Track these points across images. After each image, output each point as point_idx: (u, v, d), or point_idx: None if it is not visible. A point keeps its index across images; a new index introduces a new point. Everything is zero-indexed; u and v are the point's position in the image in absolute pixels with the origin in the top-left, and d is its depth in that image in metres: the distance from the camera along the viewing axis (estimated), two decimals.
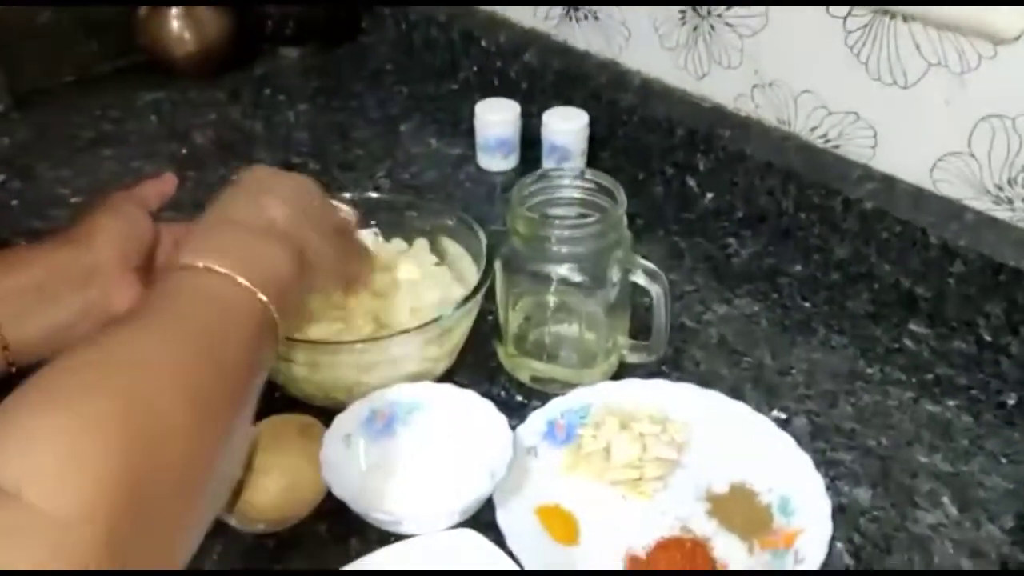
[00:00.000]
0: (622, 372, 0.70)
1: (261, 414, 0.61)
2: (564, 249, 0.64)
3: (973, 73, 0.71)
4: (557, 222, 0.65)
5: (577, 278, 0.65)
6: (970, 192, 0.75)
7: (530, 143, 0.97)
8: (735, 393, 0.68)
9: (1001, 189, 0.73)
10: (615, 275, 0.65)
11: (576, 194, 0.68)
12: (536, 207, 0.67)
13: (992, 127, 0.71)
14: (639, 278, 0.65)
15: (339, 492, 0.56)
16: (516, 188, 0.66)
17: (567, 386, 0.68)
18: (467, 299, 0.64)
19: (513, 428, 0.62)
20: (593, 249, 0.64)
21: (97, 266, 0.58)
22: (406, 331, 0.62)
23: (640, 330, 0.70)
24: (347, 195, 0.75)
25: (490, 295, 0.69)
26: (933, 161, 0.76)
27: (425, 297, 0.68)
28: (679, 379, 0.69)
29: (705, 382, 0.68)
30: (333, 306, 0.67)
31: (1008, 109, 0.70)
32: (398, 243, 0.74)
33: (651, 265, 0.65)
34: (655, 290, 0.65)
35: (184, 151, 1.02)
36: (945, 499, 0.61)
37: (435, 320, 0.62)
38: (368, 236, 0.74)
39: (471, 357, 0.72)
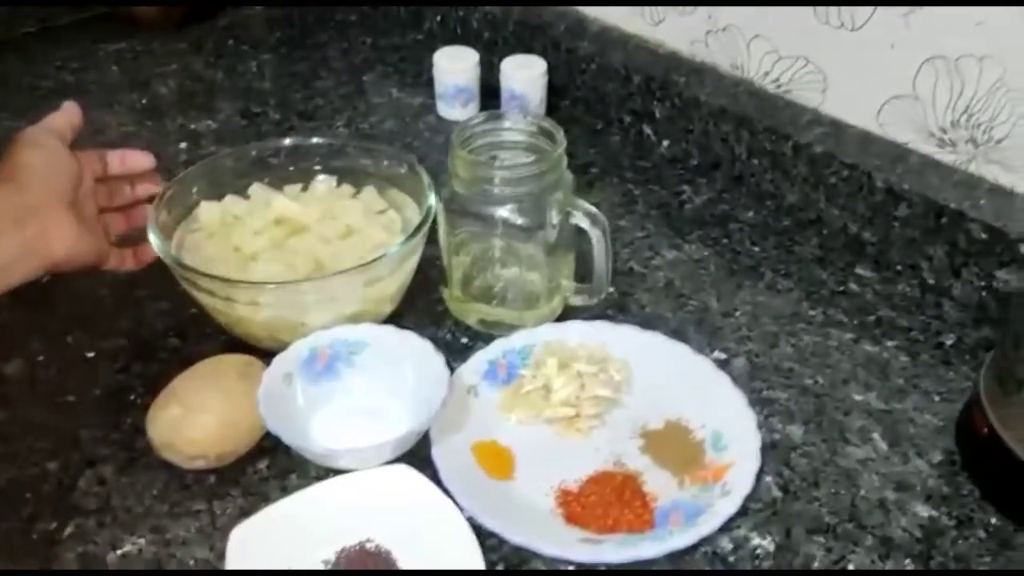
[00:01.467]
0: (567, 315, 0.71)
1: (204, 355, 0.63)
2: (505, 190, 0.64)
3: (917, 14, 0.71)
4: (496, 163, 0.65)
5: (518, 220, 0.65)
6: (915, 135, 0.75)
7: (492, 93, 0.97)
8: (678, 335, 0.68)
9: (944, 132, 0.73)
10: (555, 217, 0.65)
11: (517, 137, 0.68)
12: (477, 150, 0.67)
13: (936, 69, 0.71)
14: (580, 220, 0.66)
15: (274, 427, 0.57)
16: (457, 131, 0.66)
17: (512, 329, 0.68)
18: (405, 240, 0.64)
19: (455, 369, 0.63)
20: (533, 190, 0.64)
21: (32, 205, 0.58)
22: (346, 270, 0.62)
23: (587, 274, 0.71)
24: (287, 141, 0.76)
25: (438, 241, 0.70)
26: (880, 104, 0.76)
27: (370, 241, 0.69)
28: (623, 322, 0.70)
29: (649, 324, 0.69)
30: (276, 248, 0.68)
31: (950, 50, 0.70)
32: (346, 188, 0.74)
33: (591, 207, 0.66)
34: (595, 232, 0.65)
35: (144, 101, 1.02)
36: (875, 435, 0.63)
37: (374, 260, 0.63)
38: (321, 181, 0.74)
39: (419, 301, 0.73)
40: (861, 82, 0.77)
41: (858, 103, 0.78)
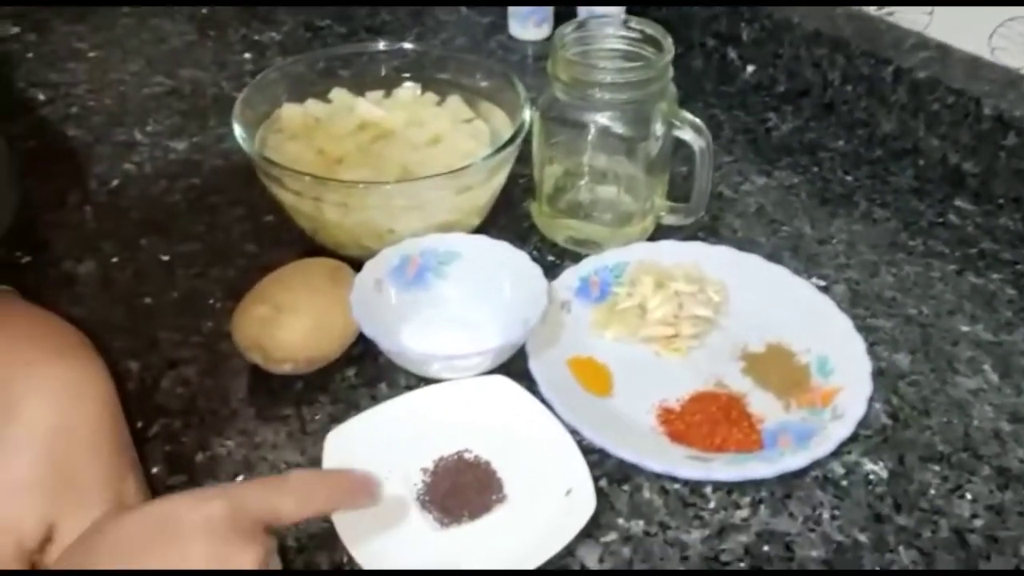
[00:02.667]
0: (658, 235, 0.68)
1: (283, 262, 0.60)
2: (607, 97, 0.61)
3: None
4: (601, 66, 0.62)
5: (619, 129, 0.62)
6: None
7: (567, 16, 0.93)
8: (773, 259, 0.66)
9: None
10: (659, 129, 0.62)
11: (620, 44, 0.64)
12: (579, 56, 0.64)
13: None
14: (684, 132, 0.63)
15: (369, 331, 0.55)
16: (558, 33, 0.63)
17: (601, 248, 0.66)
18: (502, 147, 0.62)
19: None
20: (637, 98, 0.61)
21: None
22: (439, 175, 0.59)
23: (676, 199, 0.68)
24: (382, 45, 0.73)
25: (524, 158, 0.67)
26: (992, 27, 0.72)
27: (457, 149, 0.66)
28: (717, 243, 0.67)
29: (743, 249, 0.66)
30: (362, 152, 0.65)
31: None
32: (431, 96, 0.71)
33: (696, 119, 0.63)
34: (699, 144, 0.62)
35: (204, 11, 0.98)
36: (986, 366, 0.60)
37: (467, 167, 0.60)
38: (406, 88, 0.71)
39: (503, 218, 0.70)
40: (973, 4, 0.73)
41: (969, 26, 0.74)
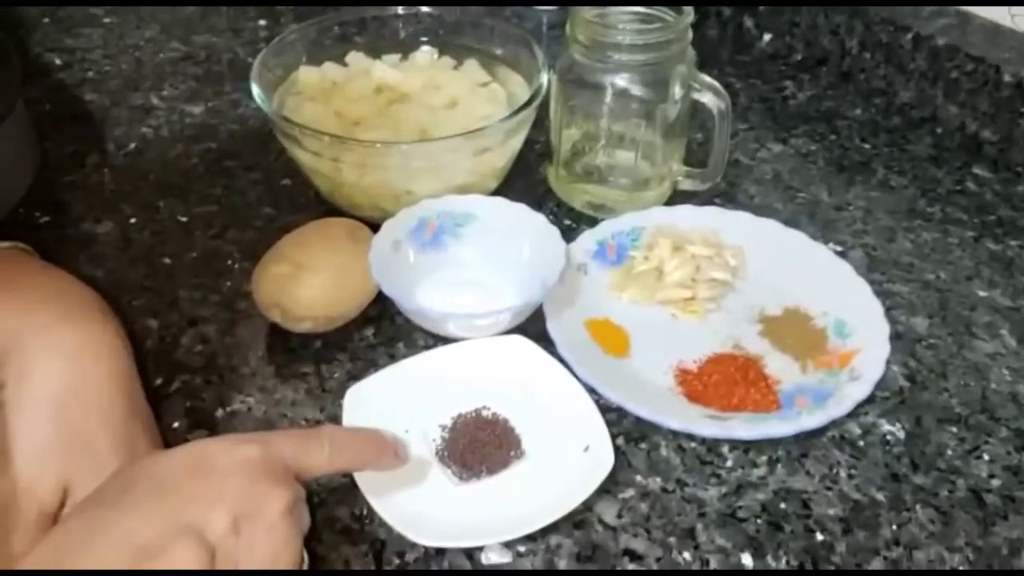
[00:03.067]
0: (674, 200, 0.68)
1: (300, 224, 0.61)
2: (625, 58, 0.61)
3: None
4: (619, 27, 0.61)
5: (637, 91, 0.62)
6: None
7: None
8: (790, 225, 0.65)
9: None
10: (677, 92, 0.62)
11: (639, 6, 0.64)
12: (597, 16, 0.63)
13: None
14: (703, 95, 0.62)
15: (388, 290, 0.55)
16: None
17: (618, 213, 0.66)
18: (519, 109, 0.62)
19: None
20: (655, 60, 0.61)
21: None
22: (457, 135, 0.59)
23: (692, 165, 0.68)
24: (399, 9, 0.72)
25: (541, 124, 0.67)
26: None
27: (475, 112, 0.66)
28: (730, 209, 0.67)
29: (760, 215, 0.66)
30: (379, 114, 0.65)
31: None
32: (447, 60, 0.71)
33: (715, 82, 0.62)
34: (718, 106, 0.62)
35: None
36: (1003, 331, 0.60)
37: (484, 128, 0.60)
38: (423, 52, 0.71)
39: (519, 184, 0.70)
40: None
41: None
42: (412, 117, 0.65)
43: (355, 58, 0.70)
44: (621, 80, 0.62)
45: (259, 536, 0.38)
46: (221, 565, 0.37)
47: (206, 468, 0.39)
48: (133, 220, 0.67)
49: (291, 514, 0.40)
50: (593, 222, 0.66)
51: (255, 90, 0.62)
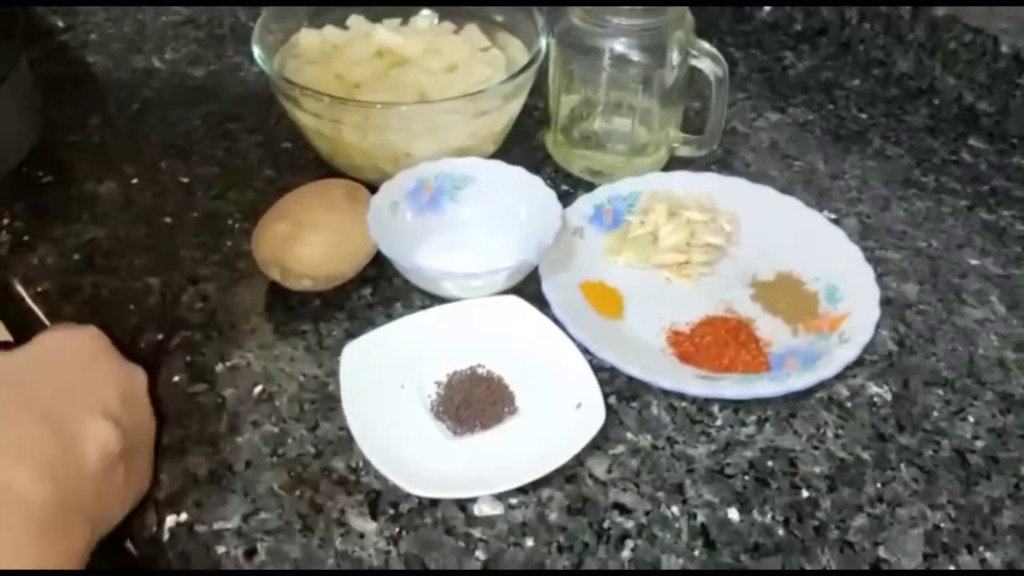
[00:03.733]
0: (671, 166, 0.69)
1: (300, 185, 0.61)
2: (624, 23, 0.61)
3: None
4: None
5: (635, 56, 0.62)
6: None
7: None
8: (786, 193, 0.66)
9: None
10: (675, 57, 0.63)
11: None
12: None
13: None
14: (700, 62, 0.63)
15: (386, 249, 0.56)
16: None
17: (615, 178, 0.66)
18: (518, 72, 0.62)
19: None
20: (653, 24, 0.61)
21: None
22: (456, 97, 0.60)
23: (690, 133, 0.69)
24: None
25: (539, 90, 0.67)
26: None
27: (474, 76, 0.66)
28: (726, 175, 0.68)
29: (755, 182, 0.67)
30: (379, 78, 0.66)
31: None
32: (448, 24, 0.72)
33: (713, 48, 0.63)
34: (716, 73, 0.62)
35: None
36: (993, 298, 0.61)
37: (483, 90, 0.61)
38: (423, 17, 0.72)
39: (517, 149, 0.70)
40: None
41: None
42: (412, 81, 0.65)
43: (356, 21, 0.71)
44: (619, 45, 0.62)
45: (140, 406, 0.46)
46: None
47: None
48: (135, 180, 0.68)
49: None
50: (590, 187, 0.66)
51: (256, 51, 0.62)
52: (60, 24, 0.85)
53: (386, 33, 0.69)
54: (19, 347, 0.45)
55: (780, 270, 0.62)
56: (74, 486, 0.40)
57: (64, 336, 0.48)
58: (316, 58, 0.68)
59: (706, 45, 0.63)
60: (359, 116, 0.60)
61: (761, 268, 0.62)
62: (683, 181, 0.66)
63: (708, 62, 0.63)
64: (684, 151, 0.68)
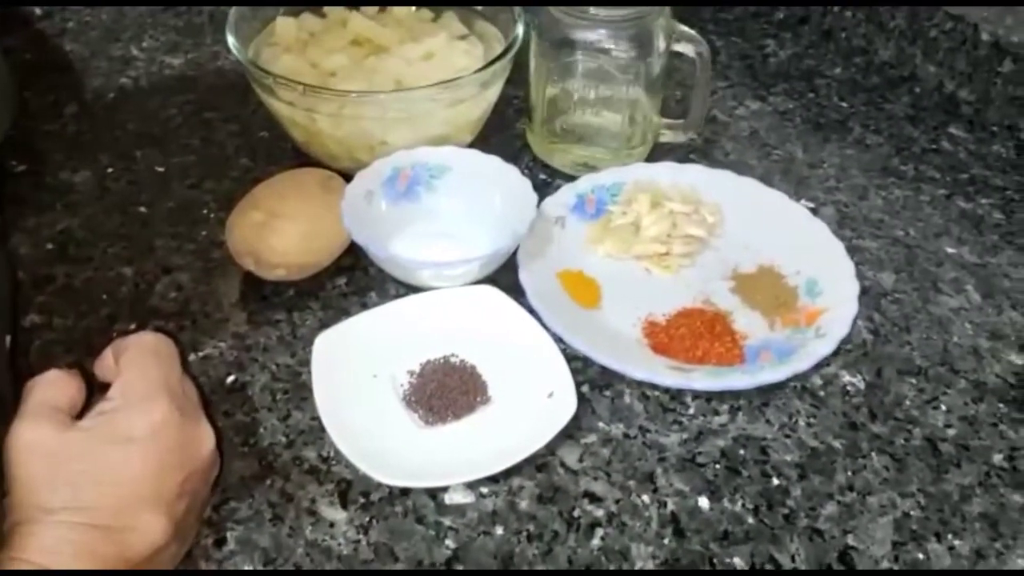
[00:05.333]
0: (654, 156, 0.68)
1: (284, 170, 0.61)
2: (603, 13, 0.61)
3: None
4: None
5: (617, 47, 0.62)
6: None
7: None
8: (764, 183, 0.66)
9: None
10: (661, 43, 0.62)
11: None
12: None
13: None
14: (682, 46, 0.63)
15: (359, 238, 0.56)
16: None
17: (597, 168, 0.66)
18: (494, 60, 0.62)
19: (541, 202, 0.61)
20: (635, 15, 0.61)
21: None
22: (431, 85, 0.60)
23: (670, 115, 0.68)
24: None
25: (517, 80, 0.67)
26: None
27: (451, 64, 0.66)
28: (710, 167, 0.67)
29: (735, 171, 0.67)
30: (356, 66, 0.65)
31: None
32: (425, 12, 0.71)
33: (692, 31, 0.63)
34: (698, 59, 0.62)
35: None
36: (969, 286, 0.61)
37: (459, 78, 0.60)
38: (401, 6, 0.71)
39: (495, 138, 0.70)
40: None
41: None
42: (388, 69, 0.65)
43: (333, 9, 0.70)
44: (604, 38, 0.62)
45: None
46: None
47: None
48: (110, 169, 0.67)
49: None
50: (570, 178, 0.66)
51: (230, 39, 0.62)
52: (38, 12, 0.84)
53: (362, 21, 0.68)
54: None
55: (762, 263, 0.62)
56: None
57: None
58: (292, 46, 0.67)
59: (685, 28, 0.63)
60: (334, 105, 0.60)
61: (743, 260, 0.62)
62: (668, 172, 0.66)
63: (690, 45, 0.62)
64: (668, 136, 0.68)
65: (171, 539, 0.42)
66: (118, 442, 0.42)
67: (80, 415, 0.44)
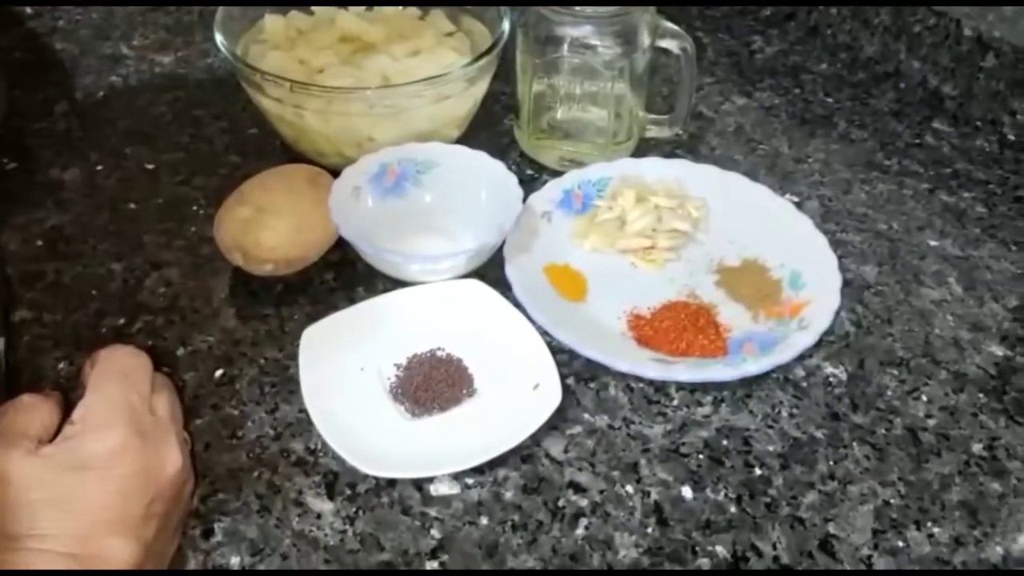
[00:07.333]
0: (641, 151, 0.69)
1: (273, 167, 0.61)
2: (589, 10, 0.61)
3: None
4: None
5: (603, 43, 0.62)
6: None
7: None
8: (750, 178, 0.66)
9: None
10: (645, 40, 0.63)
11: None
12: None
13: None
14: (666, 42, 0.63)
15: (347, 233, 0.56)
16: None
17: (582, 165, 0.67)
18: (480, 56, 0.62)
19: (527, 197, 0.61)
20: (620, 11, 0.61)
21: None
22: (417, 81, 0.60)
23: (654, 111, 0.69)
24: None
25: (504, 75, 0.67)
26: None
27: (438, 61, 0.66)
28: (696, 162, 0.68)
29: (720, 166, 0.67)
30: (343, 63, 0.66)
31: None
32: (413, 10, 0.72)
33: (675, 26, 0.63)
34: (683, 53, 0.63)
35: None
36: (951, 279, 0.61)
37: (446, 74, 0.61)
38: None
39: (482, 135, 0.71)
40: None
41: None
42: (376, 66, 0.65)
43: (321, 7, 0.70)
44: (589, 35, 0.62)
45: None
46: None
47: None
48: (100, 167, 0.68)
49: None
50: (555, 174, 0.67)
51: (218, 36, 0.62)
52: (28, 10, 0.85)
53: (350, 18, 0.69)
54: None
55: (746, 256, 0.62)
56: None
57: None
58: (280, 43, 0.68)
59: (669, 24, 0.63)
60: (321, 101, 0.60)
61: (727, 254, 0.62)
62: (654, 167, 0.66)
63: (674, 41, 0.63)
64: (654, 131, 0.69)
65: (142, 561, 0.41)
66: (76, 469, 0.42)
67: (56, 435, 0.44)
